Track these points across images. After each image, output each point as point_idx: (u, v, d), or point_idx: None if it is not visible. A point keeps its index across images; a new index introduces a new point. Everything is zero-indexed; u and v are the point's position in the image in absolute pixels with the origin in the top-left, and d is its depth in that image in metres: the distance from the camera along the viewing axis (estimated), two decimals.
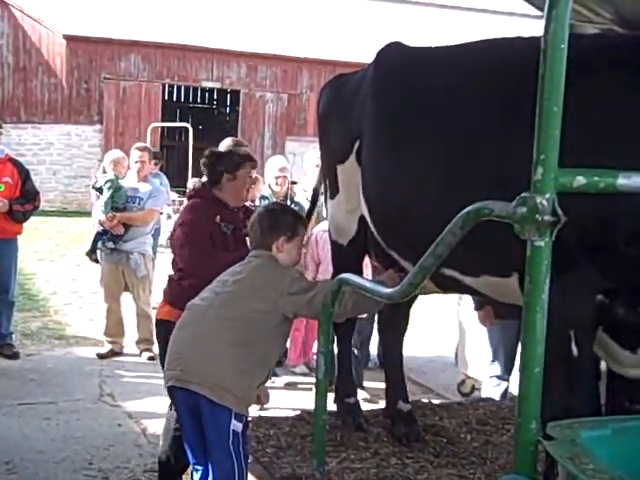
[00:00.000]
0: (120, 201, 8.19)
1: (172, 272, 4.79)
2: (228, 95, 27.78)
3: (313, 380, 6.77)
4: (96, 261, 8.46)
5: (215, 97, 28.83)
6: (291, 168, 9.14)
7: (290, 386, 7.55)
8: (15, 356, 8.14)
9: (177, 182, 19.60)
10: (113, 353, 8.28)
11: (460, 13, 30.56)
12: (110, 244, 8.13)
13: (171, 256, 4.88)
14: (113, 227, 8.11)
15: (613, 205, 2.59)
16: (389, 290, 2.97)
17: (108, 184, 8.20)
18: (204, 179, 5.01)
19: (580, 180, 2.17)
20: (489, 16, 29.51)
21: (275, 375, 7.65)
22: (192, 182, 10.57)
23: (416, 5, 30.97)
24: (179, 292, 4.48)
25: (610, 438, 2.23)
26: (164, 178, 10.82)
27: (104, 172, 8.89)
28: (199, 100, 28.73)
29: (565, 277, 2.25)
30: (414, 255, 3.00)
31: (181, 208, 5.87)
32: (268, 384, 7.05)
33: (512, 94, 3.05)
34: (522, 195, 2.17)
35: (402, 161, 3.71)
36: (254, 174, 8.13)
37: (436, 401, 5.34)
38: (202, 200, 4.83)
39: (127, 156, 8.67)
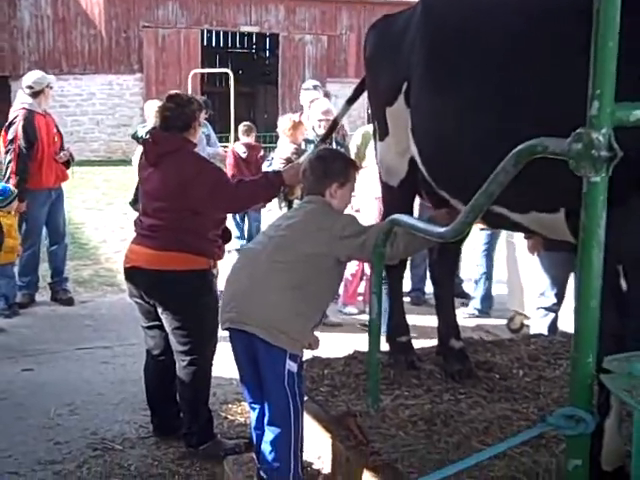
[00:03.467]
0: None
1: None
2: (267, 39, 27.65)
3: (361, 319, 6.89)
4: (138, 210, 8.53)
5: (254, 41, 28.70)
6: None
7: (341, 327, 7.64)
8: (70, 302, 8.35)
9: (220, 128, 19.67)
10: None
11: None
12: None
13: None
14: None
15: None
16: (441, 229, 2.99)
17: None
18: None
19: (637, 114, 2.16)
20: None
21: (326, 316, 7.75)
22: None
23: None
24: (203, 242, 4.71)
25: None
26: (210, 128, 10.76)
27: (144, 121, 8.91)
28: (238, 45, 28.63)
29: (614, 212, 2.24)
30: (465, 194, 3.01)
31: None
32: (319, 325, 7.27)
33: (565, 29, 3.02)
34: (578, 131, 2.16)
35: (451, 100, 3.69)
36: (296, 118, 8.19)
37: (487, 338, 5.37)
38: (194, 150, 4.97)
39: None
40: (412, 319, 5.40)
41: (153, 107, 8.60)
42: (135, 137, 8.65)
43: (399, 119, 4.20)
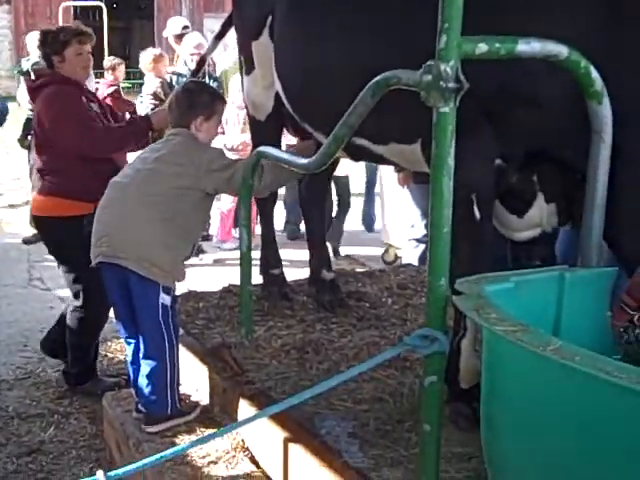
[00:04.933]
0: None
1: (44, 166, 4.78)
2: None
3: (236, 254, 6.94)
4: (28, 148, 8.31)
5: None
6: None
7: (218, 262, 7.69)
8: None
9: (93, 65, 19.12)
10: (38, 238, 8.28)
11: None
12: None
13: None
14: None
15: (510, 71, 2.68)
16: (305, 160, 3.07)
17: (35, 67, 7.99)
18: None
19: (482, 47, 2.25)
20: None
21: (203, 252, 7.79)
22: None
23: None
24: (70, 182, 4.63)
25: (513, 290, 2.39)
26: None
27: (26, 55, 8.64)
28: None
29: (465, 142, 2.35)
30: (327, 127, 3.07)
31: None
32: (196, 261, 7.30)
33: None
34: (427, 63, 2.25)
35: (310, 33, 3.71)
36: (157, 52, 8.08)
37: (360, 270, 5.51)
38: (55, 87, 4.73)
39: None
40: (286, 252, 5.50)
41: (35, 39, 8.35)
42: (20, 72, 8.36)
43: (264, 53, 4.20)
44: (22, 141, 8.39)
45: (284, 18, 3.95)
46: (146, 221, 3.65)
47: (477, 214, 2.97)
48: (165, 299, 3.68)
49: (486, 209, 3.00)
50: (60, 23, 15.68)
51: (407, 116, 2.95)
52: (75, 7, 23.59)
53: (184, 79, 7.59)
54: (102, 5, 17.18)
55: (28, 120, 8.21)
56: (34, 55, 8.20)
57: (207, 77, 7.91)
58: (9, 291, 6.79)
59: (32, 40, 8.38)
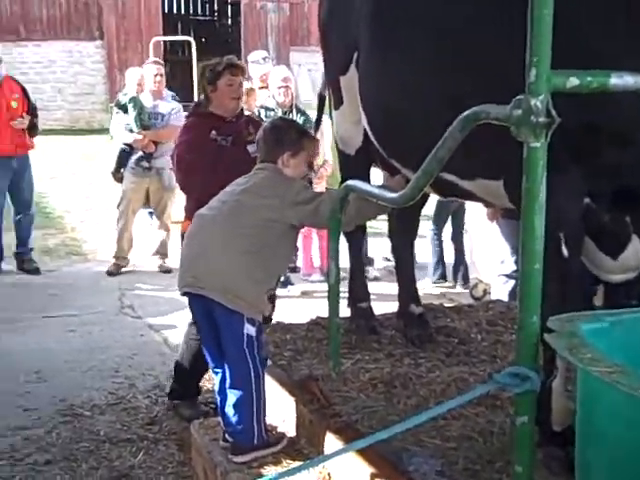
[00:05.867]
0: (145, 119, 8.23)
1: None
2: (229, 6, 27.31)
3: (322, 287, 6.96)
4: (120, 180, 8.51)
5: (216, 8, 28.35)
6: (296, 78, 9.23)
7: (306, 294, 7.72)
8: (36, 272, 8.37)
9: (182, 97, 19.51)
10: (121, 268, 8.46)
11: None
12: (145, 163, 8.20)
13: None
14: (146, 146, 8.16)
15: (599, 107, 2.64)
16: (394, 195, 3.07)
17: (132, 103, 8.20)
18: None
19: (573, 81, 2.23)
20: None
21: (291, 284, 7.84)
22: None
23: None
24: (190, 207, 4.69)
25: (608, 330, 2.33)
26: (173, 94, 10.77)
27: (124, 90, 8.82)
28: (200, 12, 28.27)
29: (553, 179, 2.32)
30: (413, 162, 3.07)
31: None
32: (284, 293, 7.35)
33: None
34: (517, 97, 2.23)
35: (397, 67, 3.70)
36: (247, 84, 8.21)
37: (448, 305, 5.46)
38: (195, 118, 5.11)
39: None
40: (374, 285, 5.49)
41: (133, 75, 8.57)
42: (118, 105, 8.55)
43: (352, 88, 4.22)
44: (115, 174, 8.57)
45: (368, 53, 3.97)
46: (231, 253, 3.69)
47: (565, 252, 2.91)
48: (250, 330, 3.70)
49: (574, 247, 2.95)
50: (151, 57, 16.09)
51: (493, 151, 2.92)
52: (165, 42, 24.25)
53: (272, 113, 7.69)
54: (191, 40, 17.54)
55: (121, 153, 8.40)
56: (131, 90, 8.40)
57: (295, 110, 7.99)
58: (101, 318, 6.95)
59: (131, 76, 8.61)
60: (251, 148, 4.74)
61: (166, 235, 8.47)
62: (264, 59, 9.37)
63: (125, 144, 8.33)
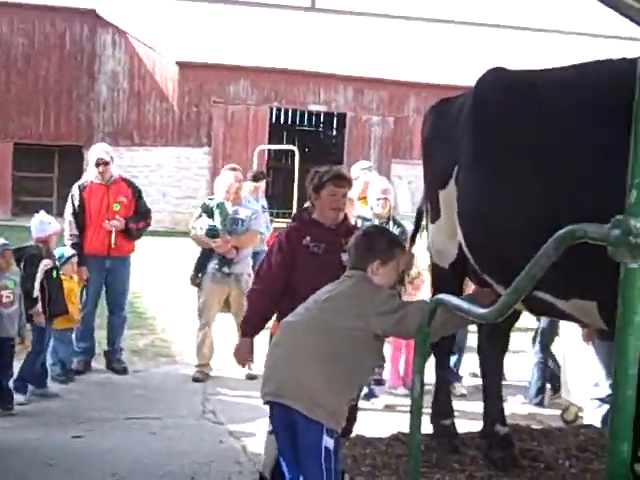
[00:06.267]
0: (227, 225, 8.33)
1: None
2: (334, 118, 28.00)
3: (404, 401, 6.82)
4: (198, 285, 8.54)
5: (322, 120, 29.09)
6: (396, 190, 9.35)
7: (389, 408, 7.55)
8: (124, 371, 8.42)
9: (284, 205, 19.88)
10: (208, 376, 8.43)
11: (562, 36, 30.04)
12: (226, 268, 8.22)
13: None
14: (228, 251, 8.25)
15: None
16: (484, 310, 2.99)
17: (219, 208, 8.32)
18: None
19: None
20: (589, 39, 28.95)
21: (375, 396, 7.70)
22: None
23: (517, 30, 30.59)
24: (281, 310, 4.73)
25: None
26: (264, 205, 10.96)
27: (211, 194, 8.94)
28: (305, 123, 29.01)
29: None
30: (507, 279, 3.01)
31: None
32: (367, 405, 7.22)
33: (611, 119, 3.04)
34: (617, 217, 2.17)
35: (496, 187, 3.73)
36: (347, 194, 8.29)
37: (536, 427, 5.27)
38: (295, 223, 5.24)
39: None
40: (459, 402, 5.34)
41: (223, 180, 8.69)
42: (205, 209, 8.63)
43: (451, 202, 4.23)
44: (194, 279, 8.60)
45: (467, 170, 3.99)
46: (313, 361, 3.66)
47: None
48: (328, 442, 3.63)
49: None
50: (255, 165, 16.52)
51: (589, 272, 2.85)
52: (270, 150, 24.95)
53: (369, 223, 7.72)
54: (295, 149, 17.97)
55: (201, 258, 8.47)
56: (219, 196, 8.51)
57: (392, 222, 8.01)
58: (184, 422, 6.91)
59: (220, 181, 8.73)
60: (345, 256, 4.74)
61: None
62: (369, 168, 9.49)
63: (205, 249, 8.40)
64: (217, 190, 8.63)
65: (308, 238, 4.96)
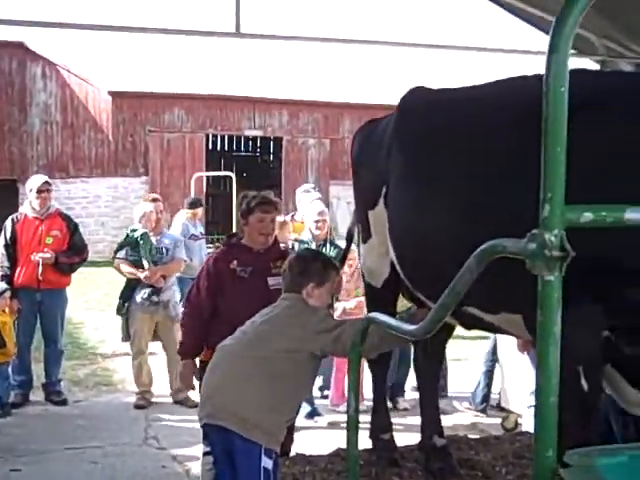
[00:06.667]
0: (153, 255, 8.33)
1: None
2: (271, 142, 28.08)
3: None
4: (123, 315, 8.50)
5: (258, 145, 29.15)
6: (335, 211, 9.54)
7: (333, 425, 7.59)
8: (63, 402, 8.32)
9: (223, 230, 19.86)
10: (149, 402, 8.39)
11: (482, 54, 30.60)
12: (155, 297, 8.23)
13: None
14: (157, 280, 8.26)
15: (616, 243, 2.66)
16: (412, 327, 3.07)
17: (143, 239, 8.30)
18: None
19: (587, 216, 2.24)
20: (506, 55, 29.52)
21: (318, 415, 7.74)
22: None
23: (450, 49, 31.07)
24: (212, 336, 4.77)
25: (627, 465, 2.28)
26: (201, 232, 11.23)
27: (131, 226, 8.82)
28: (242, 148, 29.03)
29: (570, 313, 2.32)
30: (437, 295, 3.09)
31: None
32: (311, 424, 7.25)
33: (525, 133, 3.14)
34: (532, 232, 2.26)
35: (422, 204, 3.82)
36: (281, 218, 8.38)
37: (474, 436, 5.36)
38: (223, 248, 5.33)
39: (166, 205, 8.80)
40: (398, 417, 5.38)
41: (140, 210, 8.64)
42: (128, 240, 8.56)
43: (380, 222, 4.31)
44: (119, 309, 8.57)
45: (397, 187, 4.07)
46: (250, 382, 3.70)
47: (585, 385, 2.89)
48: (267, 463, 3.66)
49: (593, 380, 2.92)
50: (192, 192, 16.50)
51: (513, 285, 2.94)
52: (208, 177, 24.91)
53: (305, 246, 7.78)
54: (232, 175, 18.00)
55: (127, 285, 8.45)
56: (137, 224, 8.49)
57: (328, 244, 8.09)
58: (126, 449, 6.87)
59: (138, 211, 8.71)
60: (271, 280, 4.82)
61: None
62: (313, 188, 9.77)
63: (130, 279, 8.38)
64: (137, 220, 8.60)
65: (235, 262, 5.03)
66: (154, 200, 9.06)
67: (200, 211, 12.02)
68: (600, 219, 2.26)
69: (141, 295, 8.23)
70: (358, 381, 3.87)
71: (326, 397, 8.24)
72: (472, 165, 3.49)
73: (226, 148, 28.38)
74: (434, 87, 4.33)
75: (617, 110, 2.93)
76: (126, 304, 8.36)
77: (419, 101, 4.18)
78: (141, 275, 8.19)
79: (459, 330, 4.53)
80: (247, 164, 28.47)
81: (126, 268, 8.34)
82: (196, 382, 5.13)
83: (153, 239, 8.42)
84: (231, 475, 3.77)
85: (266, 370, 3.70)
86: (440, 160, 3.72)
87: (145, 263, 8.20)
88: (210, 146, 26.78)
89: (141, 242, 8.27)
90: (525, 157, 2.95)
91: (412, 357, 4.90)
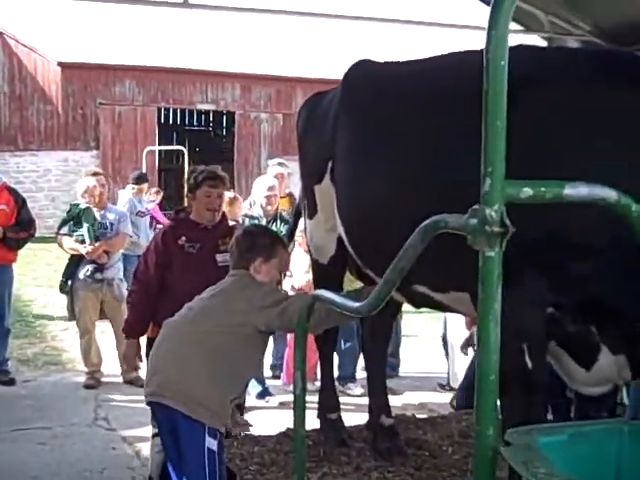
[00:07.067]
0: (96, 230, 8.16)
1: None
2: (224, 117, 27.86)
3: (310, 398, 6.87)
4: (67, 293, 8.36)
5: (211, 119, 28.93)
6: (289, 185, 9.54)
7: (284, 405, 7.56)
8: (11, 382, 8.18)
9: (175, 205, 19.70)
10: (99, 382, 8.28)
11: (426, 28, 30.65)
12: (99, 274, 8.06)
13: None
14: (100, 256, 8.08)
15: (558, 219, 2.64)
16: (357, 304, 3.02)
17: (85, 214, 8.12)
18: None
19: (527, 191, 2.22)
20: (466, 31, 29.59)
21: (269, 394, 7.71)
22: None
23: (406, 24, 31.01)
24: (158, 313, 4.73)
25: (567, 443, 2.28)
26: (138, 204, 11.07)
27: (74, 201, 8.64)
28: (195, 122, 28.80)
29: (514, 290, 2.29)
30: (384, 271, 3.05)
31: None
32: (262, 404, 7.22)
33: (468, 108, 3.10)
34: (473, 207, 2.23)
35: (368, 179, 3.77)
36: (231, 194, 8.29)
37: (421, 415, 5.37)
38: (171, 223, 5.28)
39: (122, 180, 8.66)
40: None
41: (83, 185, 8.45)
42: (71, 215, 8.39)
43: (327, 197, 4.26)
44: (62, 286, 8.42)
45: (343, 162, 4.01)
46: (194, 359, 3.64)
47: (529, 363, 2.87)
48: (211, 443, 3.60)
49: (538, 358, 2.91)
50: (144, 166, 16.33)
51: (459, 263, 2.91)
52: (160, 151, 24.66)
53: (256, 221, 7.71)
54: (184, 150, 17.84)
55: (71, 262, 8.29)
56: (80, 199, 8.30)
57: (279, 219, 8.03)
58: (75, 430, 6.78)
59: (81, 186, 8.48)
60: (220, 257, 4.76)
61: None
62: (280, 164, 9.76)
63: (73, 255, 8.23)
64: (79, 195, 8.40)
65: (184, 238, 4.96)
66: (95, 174, 8.88)
67: (145, 186, 11.86)
68: (539, 195, 2.24)
69: (84, 272, 8.06)
70: (304, 359, 3.82)
71: (278, 377, 8.19)
72: (417, 138, 3.45)
73: (178, 122, 28.16)
74: (380, 60, 4.28)
75: (556, 85, 2.91)
76: (69, 282, 8.19)
77: (365, 74, 4.13)
78: (83, 250, 8.02)
79: (408, 306, 4.52)
80: (200, 138, 28.27)
81: (68, 244, 8.17)
82: (142, 362, 5.06)
83: (97, 214, 8.24)
84: (177, 456, 3.72)
85: (212, 346, 3.65)
86: (386, 132, 3.68)
87: (87, 238, 8.01)
88: (162, 120, 26.50)
89: (84, 217, 8.09)
90: (468, 132, 2.92)
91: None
